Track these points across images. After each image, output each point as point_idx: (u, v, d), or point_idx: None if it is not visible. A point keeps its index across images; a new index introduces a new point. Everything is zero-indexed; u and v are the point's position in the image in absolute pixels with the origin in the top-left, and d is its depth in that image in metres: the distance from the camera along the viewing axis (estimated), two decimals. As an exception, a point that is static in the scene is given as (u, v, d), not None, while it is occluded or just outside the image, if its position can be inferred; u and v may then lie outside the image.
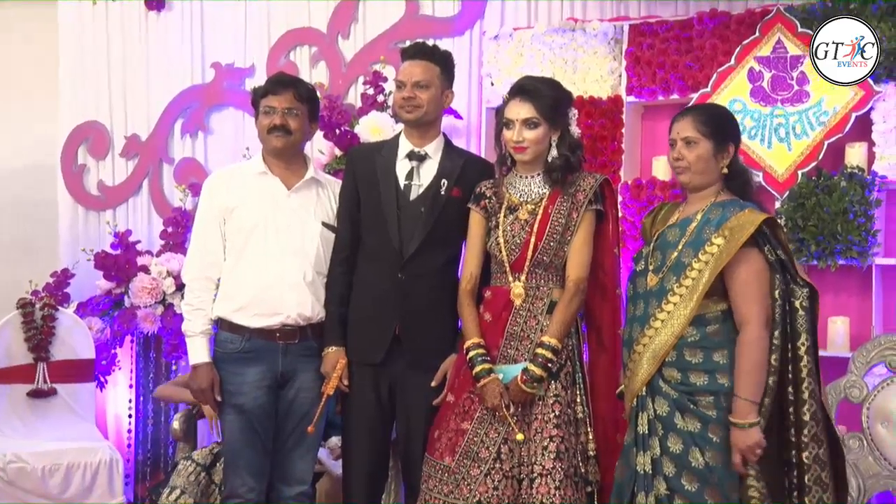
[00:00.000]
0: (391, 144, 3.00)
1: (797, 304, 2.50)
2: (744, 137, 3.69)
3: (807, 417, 2.47)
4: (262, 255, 2.95)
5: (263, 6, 4.71)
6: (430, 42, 4.20)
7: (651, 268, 2.58)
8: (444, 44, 4.21)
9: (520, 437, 2.62)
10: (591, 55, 3.99)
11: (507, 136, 2.74)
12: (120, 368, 4.61)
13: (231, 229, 2.98)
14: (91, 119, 5.05)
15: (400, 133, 3.01)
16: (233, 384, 2.95)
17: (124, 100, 5.00)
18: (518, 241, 2.74)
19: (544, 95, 2.73)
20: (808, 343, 2.48)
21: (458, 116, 4.23)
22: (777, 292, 2.49)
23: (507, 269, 2.75)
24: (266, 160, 3.04)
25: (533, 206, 2.76)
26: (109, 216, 4.97)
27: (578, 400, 2.73)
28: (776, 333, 2.47)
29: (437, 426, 2.77)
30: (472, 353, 2.72)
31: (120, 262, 4.51)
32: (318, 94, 4.44)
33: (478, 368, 2.68)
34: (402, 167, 2.94)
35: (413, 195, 2.91)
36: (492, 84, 4.15)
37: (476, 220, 2.83)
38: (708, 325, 2.50)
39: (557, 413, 2.67)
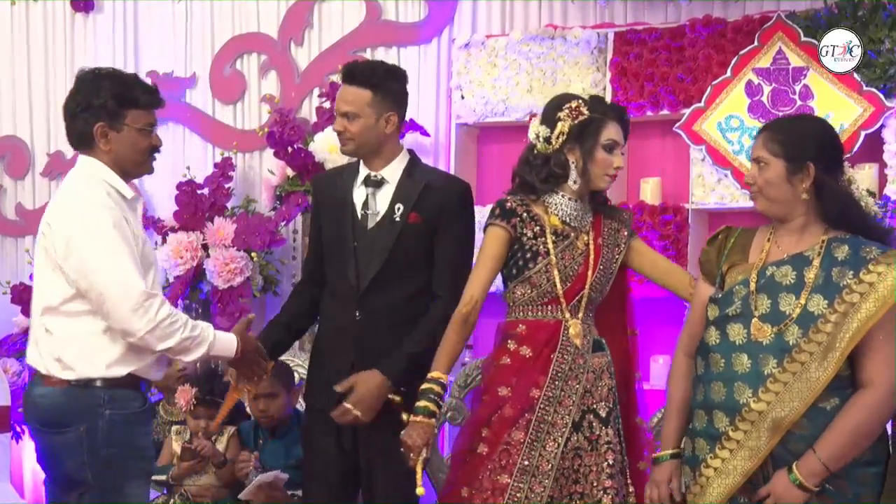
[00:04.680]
0: (352, 169, 2.98)
1: None
2: (741, 158, 3.74)
3: None
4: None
5: (206, 8, 4.67)
6: (393, 49, 4.14)
7: (757, 314, 2.35)
8: (409, 52, 4.32)
9: (420, 491, 2.60)
10: (573, 65, 3.97)
11: (609, 161, 2.71)
12: (40, 417, 4.47)
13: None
14: (8, 134, 4.99)
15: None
16: (146, 447, 2.74)
17: (47, 112, 4.93)
18: (570, 274, 2.72)
19: (626, 121, 2.79)
20: None
21: (424, 133, 4.21)
22: None
23: (562, 302, 2.71)
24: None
25: (586, 237, 2.76)
26: (29, 243, 4.82)
27: (620, 447, 2.73)
28: None
29: (467, 482, 2.67)
30: (427, 386, 2.64)
31: (40, 295, 4.38)
32: (269, 107, 4.44)
33: (422, 403, 2.62)
34: (359, 194, 2.93)
35: (370, 224, 2.89)
36: (462, 97, 4.13)
37: (499, 238, 2.73)
38: (846, 389, 2.30)
39: (611, 462, 2.66)
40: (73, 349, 2.58)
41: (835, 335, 2.26)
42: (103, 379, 2.57)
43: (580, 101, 2.71)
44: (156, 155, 2.73)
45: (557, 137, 2.69)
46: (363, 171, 2.92)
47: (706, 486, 2.34)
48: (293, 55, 4.52)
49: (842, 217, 2.36)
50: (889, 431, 2.36)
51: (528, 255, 2.72)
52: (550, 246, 2.71)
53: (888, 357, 2.26)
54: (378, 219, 2.87)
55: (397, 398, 2.77)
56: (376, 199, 2.89)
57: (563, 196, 2.74)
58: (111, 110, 2.62)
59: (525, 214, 2.73)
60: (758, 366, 2.32)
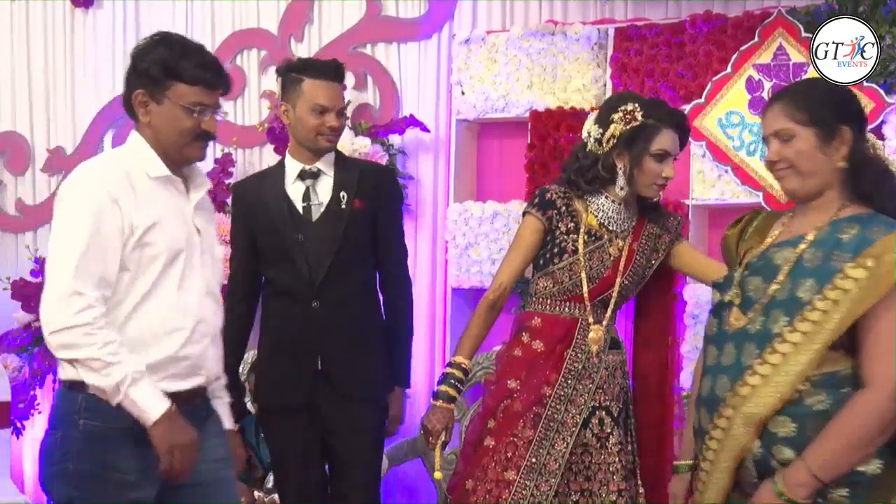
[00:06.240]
0: (275, 170, 3.03)
1: None
2: (742, 154, 3.73)
3: None
4: (180, 293, 2.35)
5: (207, 4, 4.69)
6: (393, 45, 4.13)
7: (739, 300, 2.11)
8: (409, 48, 4.34)
9: (437, 475, 2.64)
10: (573, 62, 3.99)
11: (657, 171, 2.64)
12: (40, 412, 4.48)
13: (141, 258, 2.28)
14: (8, 129, 4.97)
15: (282, 158, 3.03)
16: (128, 471, 2.23)
17: (47, 108, 4.93)
18: (595, 276, 2.68)
19: (685, 129, 2.73)
20: None
21: (424, 129, 4.21)
22: None
23: (585, 303, 2.67)
24: (163, 161, 2.38)
25: (622, 242, 2.70)
26: (29, 239, 4.88)
27: (630, 448, 2.71)
28: None
29: (471, 475, 2.65)
30: (449, 370, 2.66)
31: (41, 290, 4.37)
32: (269, 103, 4.44)
33: (443, 387, 2.64)
34: (296, 189, 2.96)
35: (315, 216, 2.93)
36: (462, 93, 4.13)
37: (533, 228, 2.70)
38: (842, 388, 2.00)
39: (624, 463, 2.65)
40: None
41: (821, 323, 1.98)
42: (82, 383, 2.19)
43: (636, 104, 2.62)
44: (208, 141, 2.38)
45: (608, 140, 2.62)
46: (294, 167, 2.95)
47: (703, 489, 2.13)
48: (293, 51, 4.48)
49: (876, 189, 2.07)
50: None
51: (556, 250, 2.67)
52: (580, 245, 2.66)
53: (889, 350, 1.95)
54: (322, 209, 2.91)
55: None
56: (317, 190, 2.93)
57: (606, 198, 2.68)
58: (154, 77, 2.31)
59: (564, 208, 2.68)
60: (741, 357, 2.06)
